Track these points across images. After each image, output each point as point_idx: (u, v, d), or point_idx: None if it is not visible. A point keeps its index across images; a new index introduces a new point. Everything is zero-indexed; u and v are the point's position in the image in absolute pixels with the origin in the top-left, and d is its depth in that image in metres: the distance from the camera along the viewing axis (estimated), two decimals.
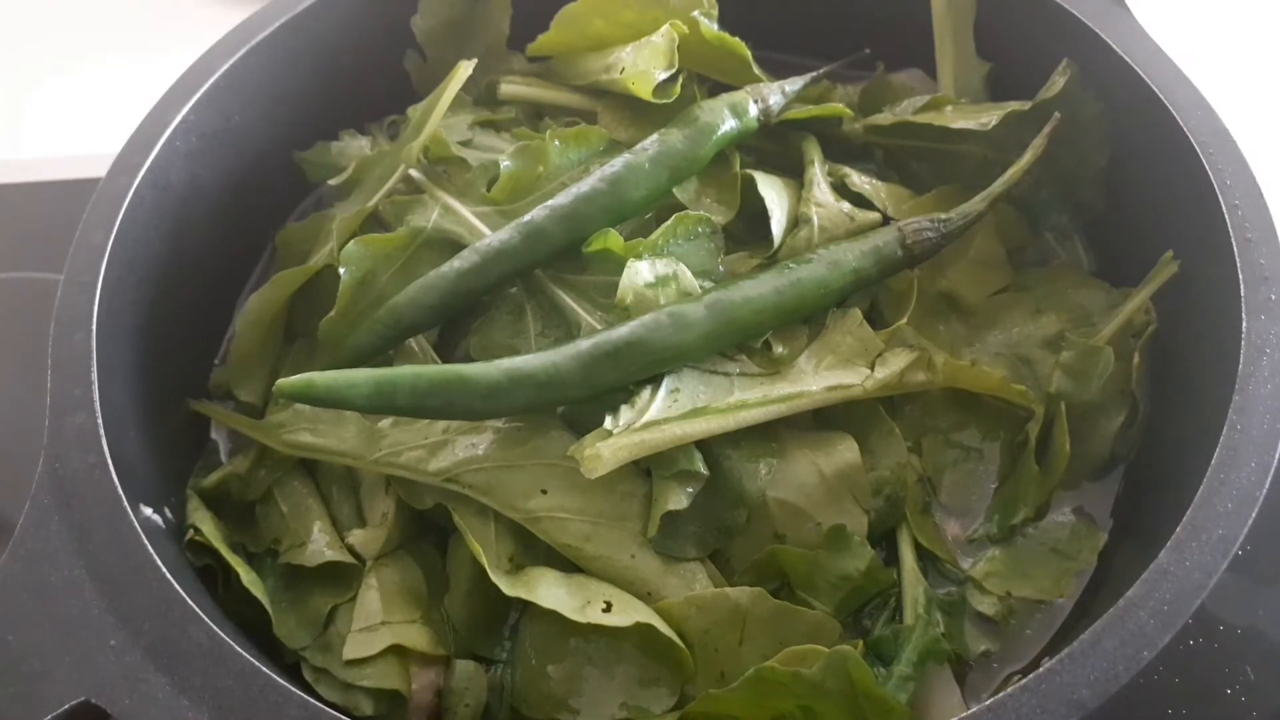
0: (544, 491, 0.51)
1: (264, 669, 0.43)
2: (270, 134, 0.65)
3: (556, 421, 0.52)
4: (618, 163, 0.57)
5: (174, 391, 0.59)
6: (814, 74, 0.65)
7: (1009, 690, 0.41)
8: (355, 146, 0.68)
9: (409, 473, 0.53)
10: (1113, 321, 0.57)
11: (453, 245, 0.58)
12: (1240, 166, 0.53)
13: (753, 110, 0.60)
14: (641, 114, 0.63)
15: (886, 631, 0.50)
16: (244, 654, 0.43)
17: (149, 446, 0.54)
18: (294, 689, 0.42)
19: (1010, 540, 0.54)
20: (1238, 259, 0.51)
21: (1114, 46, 0.58)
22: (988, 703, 0.41)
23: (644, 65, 0.61)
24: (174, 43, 0.67)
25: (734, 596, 0.48)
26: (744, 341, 0.53)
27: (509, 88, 0.68)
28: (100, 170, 0.57)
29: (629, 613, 0.47)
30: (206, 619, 0.44)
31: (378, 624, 0.51)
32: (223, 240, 0.64)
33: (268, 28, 0.62)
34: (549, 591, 0.48)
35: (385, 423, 0.54)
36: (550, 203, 0.56)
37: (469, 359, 0.55)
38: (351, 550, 0.54)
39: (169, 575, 0.45)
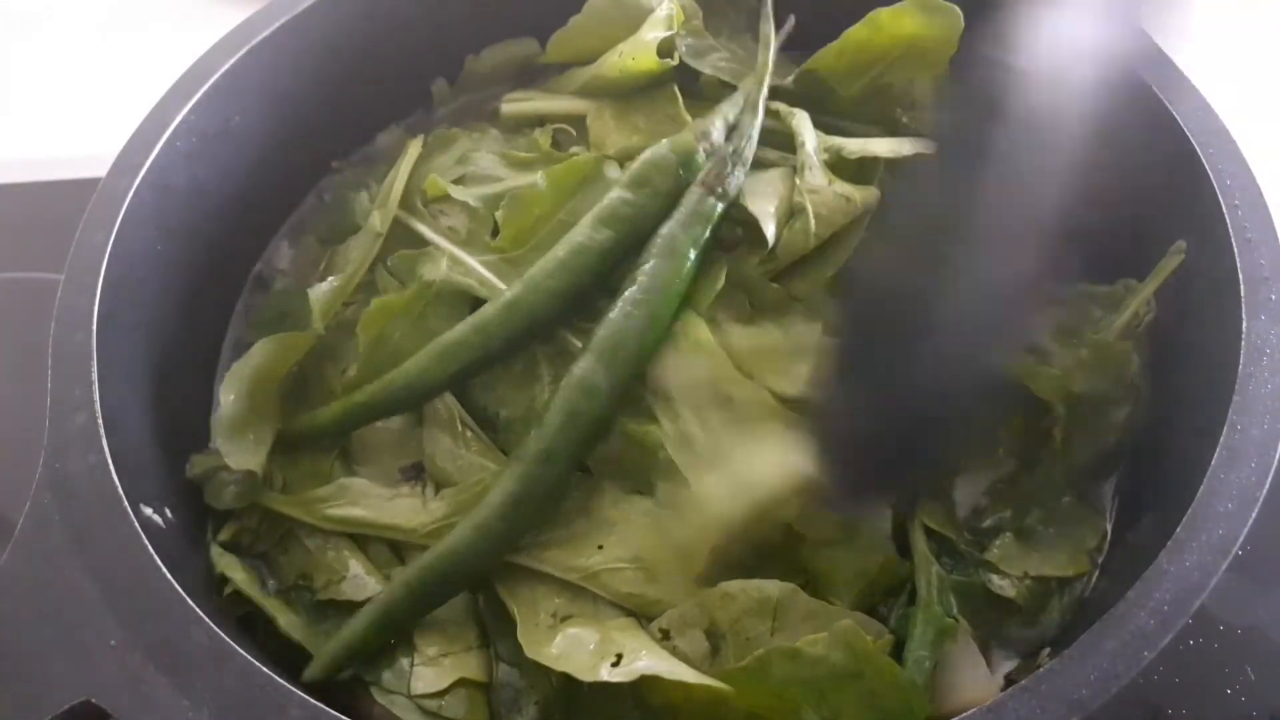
0: (600, 547, 0.52)
1: (264, 669, 0.43)
2: (271, 135, 0.65)
3: (604, 482, 0.53)
4: (567, 246, 0.56)
5: (174, 391, 0.58)
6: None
7: (1009, 690, 0.41)
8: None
9: None
10: (1124, 314, 0.57)
11: (464, 296, 0.59)
12: (1240, 166, 0.53)
13: (700, 154, 0.58)
14: (626, 120, 0.63)
15: (901, 614, 0.51)
16: (245, 654, 0.43)
17: (150, 446, 0.54)
18: (295, 689, 0.43)
19: (1018, 526, 0.54)
20: (1238, 259, 0.51)
21: None
22: (988, 702, 0.41)
23: (645, 39, 0.62)
24: (174, 42, 0.67)
25: (765, 588, 0.49)
26: None
27: (509, 106, 0.69)
28: (100, 170, 0.57)
29: (634, 664, 0.47)
30: (207, 619, 0.44)
31: (439, 655, 0.51)
32: (223, 240, 0.64)
33: (268, 27, 0.62)
34: (567, 658, 0.48)
35: (437, 497, 0.55)
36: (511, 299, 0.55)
37: (483, 408, 0.57)
38: None
39: (169, 575, 0.45)
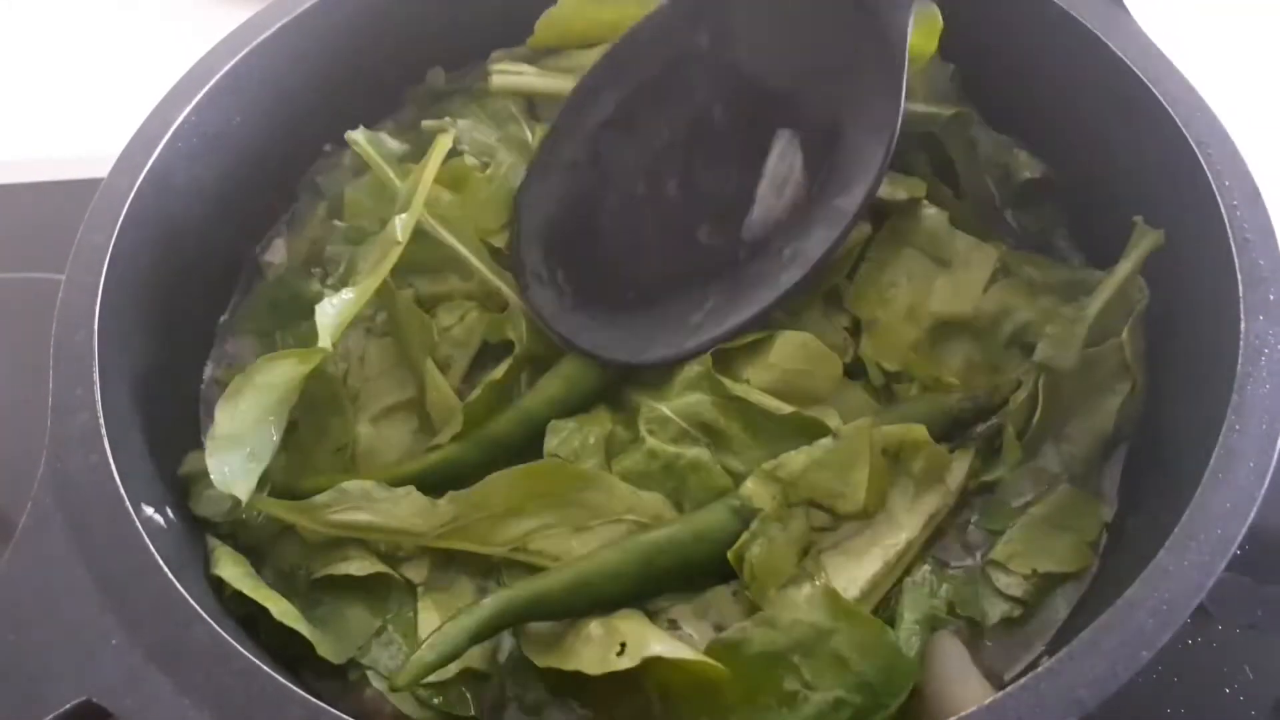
0: None
1: (265, 668, 0.43)
2: (272, 135, 0.65)
3: (617, 479, 0.53)
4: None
5: (176, 392, 0.59)
6: None
7: (1008, 689, 0.41)
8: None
9: (474, 545, 0.53)
10: (1104, 293, 0.57)
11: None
12: (1238, 167, 0.53)
13: None
14: None
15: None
16: (246, 653, 0.43)
17: (151, 446, 0.54)
18: (296, 688, 0.43)
19: (1018, 521, 0.54)
20: (1236, 260, 0.51)
21: (1112, 47, 0.58)
22: (986, 702, 0.41)
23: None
24: (176, 43, 0.67)
25: None
26: None
27: (499, 79, 0.67)
28: (101, 170, 0.57)
29: (640, 650, 0.47)
30: (208, 618, 0.44)
31: None
32: (224, 240, 0.64)
33: (270, 28, 0.62)
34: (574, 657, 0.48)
35: (445, 499, 0.53)
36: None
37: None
38: (403, 577, 0.53)
39: (170, 575, 0.46)
